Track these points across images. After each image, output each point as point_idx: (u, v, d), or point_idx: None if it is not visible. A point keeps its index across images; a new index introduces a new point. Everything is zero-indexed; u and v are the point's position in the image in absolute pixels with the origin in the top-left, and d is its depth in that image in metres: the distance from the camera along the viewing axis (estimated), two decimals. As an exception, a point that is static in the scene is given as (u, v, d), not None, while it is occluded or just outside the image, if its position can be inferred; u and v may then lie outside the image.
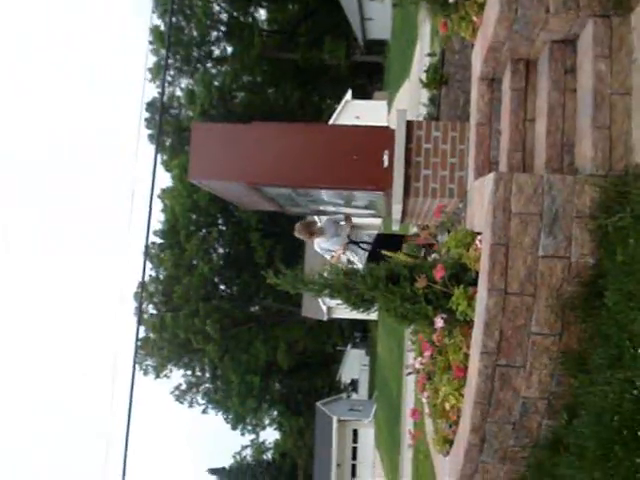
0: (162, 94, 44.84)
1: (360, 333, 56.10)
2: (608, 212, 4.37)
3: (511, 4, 4.84)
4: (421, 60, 17.03)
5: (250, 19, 52.13)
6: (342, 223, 9.88)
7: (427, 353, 5.94)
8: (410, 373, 7.15)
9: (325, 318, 37.45)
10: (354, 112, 34.15)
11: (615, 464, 3.91)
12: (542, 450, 4.87)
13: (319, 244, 9.69)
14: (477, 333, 4.64)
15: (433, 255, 6.75)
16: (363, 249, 9.53)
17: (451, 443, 5.65)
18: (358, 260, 9.61)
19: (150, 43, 46.34)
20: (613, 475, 3.89)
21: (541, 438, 4.82)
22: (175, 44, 47.50)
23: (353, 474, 43.30)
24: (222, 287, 50.22)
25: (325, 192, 8.20)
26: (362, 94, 43.17)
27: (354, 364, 56.16)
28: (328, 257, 9.61)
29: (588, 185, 4.45)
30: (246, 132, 7.68)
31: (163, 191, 46.82)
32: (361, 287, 5.36)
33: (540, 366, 4.54)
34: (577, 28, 4.93)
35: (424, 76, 10.30)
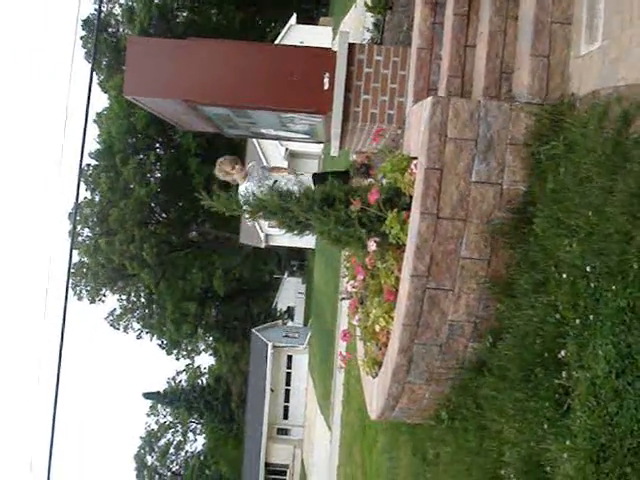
0: (99, 11, 43.15)
1: (297, 262, 56.45)
2: (541, 140, 4.42)
3: None
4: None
5: None
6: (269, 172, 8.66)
7: (360, 277, 6.00)
8: (344, 298, 7.23)
9: (263, 246, 37.46)
10: (298, 37, 33.51)
11: (535, 385, 4.04)
12: (467, 372, 5.01)
13: (247, 188, 8.01)
14: (408, 256, 4.69)
15: (369, 180, 6.74)
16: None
17: (380, 365, 5.76)
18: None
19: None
20: (533, 396, 4.03)
21: (466, 360, 4.96)
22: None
23: (286, 399, 44.11)
24: (159, 212, 49.57)
25: (264, 113, 8.05)
26: (307, 19, 42.33)
27: (291, 292, 56.65)
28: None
29: (524, 113, 4.47)
30: (184, 48, 7.45)
31: (99, 115, 45.47)
32: (295, 209, 5.33)
33: (468, 290, 4.64)
34: (522, -47, 4.87)
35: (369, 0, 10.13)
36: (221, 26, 46.97)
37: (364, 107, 7.28)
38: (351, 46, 7.32)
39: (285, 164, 34.62)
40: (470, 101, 4.57)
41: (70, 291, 37.92)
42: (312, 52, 7.97)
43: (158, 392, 60.89)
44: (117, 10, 49.28)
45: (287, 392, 44.21)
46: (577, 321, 3.72)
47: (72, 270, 40.24)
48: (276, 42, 35.35)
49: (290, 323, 52.80)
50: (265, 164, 8.31)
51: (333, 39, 30.82)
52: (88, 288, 49.21)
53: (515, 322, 4.41)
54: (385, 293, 5.36)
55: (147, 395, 60.76)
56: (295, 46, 9.12)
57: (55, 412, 23.57)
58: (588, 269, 3.70)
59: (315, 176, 8.41)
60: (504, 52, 5.06)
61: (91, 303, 50.15)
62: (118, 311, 53.05)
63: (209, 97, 7.47)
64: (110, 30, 48.47)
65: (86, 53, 45.67)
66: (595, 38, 4.28)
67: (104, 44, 45.54)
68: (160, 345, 55.30)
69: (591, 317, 3.60)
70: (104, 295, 50.65)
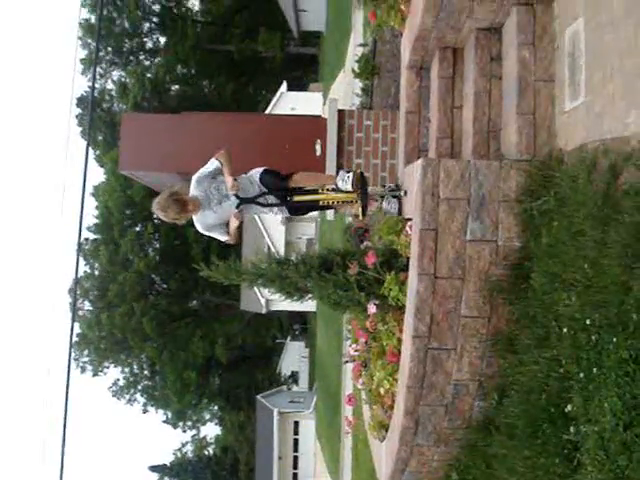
0: (92, 87, 43.96)
1: (299, 325, 56.18)
2: (533, 196, 4.48)
3: (437, -8, 4.89)
4: (355, 51, 17.10)
5: (183, 10, 51.50)
6: (220, 178, 6.29)
7: (362, 340, 5.99)
8: (347, 361, 7.19)
9: (264, 311, 37.36)
10: (290, 104, 34.13)
11: (544, 441, 4.00)
12: (474, 431, 4.96)
13: (204, 222, 6.27)
14: (409, 317, 4.70)
15: (366, 242, 6.79)
16: (267, 205, 6.27)
17: (387, 428, 5.70)
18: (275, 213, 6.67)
19: (79, 39, 45.39)
20: (542, 452, 3.99)
21: (473, 419, 4.92)
22: (106, 36, 46.61)
23: (295, 466, 43.38)
24: (159, 283, 49.62)
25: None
26: (297, 86, 43.11)
27: (294, 356, 56.22)
28: (223, 238, 6.35)
29: (514, 170, 4.54)
30: (176, 122, 7.62)
31: (96, 188, 45.95)
32: (294, 275, 5.36)
33: (470, 348, 4.63)
34: (502, 16, 5.02)
35: (356, 66, 10.35)
36: (213, 97, 47.84)
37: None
38: (341, 112, 7.48)
39: (282, 229, 34.83)
40: (460, 161, 4.65)
41: (72, 363, 37.65)
42: (303, 120, 8.13)
43: (164, 465, 59.86)
44: (110, 86, 50.21)
45: (295, 459, 43.51)
46: (581, 375, 3.71)
47: (74, 343, 40.08)
48: (268, 110, 35.97)
49: (295, 388, 52.28)
50: (207, 169, 6.10)
51: (324, 104, 31.34)
52: (91, 360, 48.97)
53: (519, 378, 4.39)
54: (388, 355, 5.35)
55: (153, 468, 59.71)
56: (287, 115, 9.27)
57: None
58: (588, 322, 3.71)
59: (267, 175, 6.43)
60: (490, 111, 5.17)
61: (94, 376, 49.80)
62: (121, 382, 52.64)
63: (203, 169, 7.57)
64: (104, 106, 49.26)
65: (82, 131, 46.38)
66: (578, 93, 4.38)
67: (99, 120, 46.23)
68: (165, 421, 54.71)
69: (595, 370, 3.59)
70: (106, 367, 50.35)
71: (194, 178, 6.17)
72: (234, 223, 6.12)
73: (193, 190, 6.09)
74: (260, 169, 6.31)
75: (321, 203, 6.14)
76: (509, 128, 4.86)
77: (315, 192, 6.10)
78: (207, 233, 6.41)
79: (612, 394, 3.38)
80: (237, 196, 6.03)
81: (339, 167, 7.29)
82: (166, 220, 6.22)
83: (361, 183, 6.06)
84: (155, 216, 6.09)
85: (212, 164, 6.18)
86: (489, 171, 4.53)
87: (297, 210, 6.41)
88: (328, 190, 6.09)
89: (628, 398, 3.29)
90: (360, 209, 6.02)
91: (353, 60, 14.10)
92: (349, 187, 5.98)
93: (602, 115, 4.07)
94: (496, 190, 4.52)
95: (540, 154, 4.64)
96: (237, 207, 6.06)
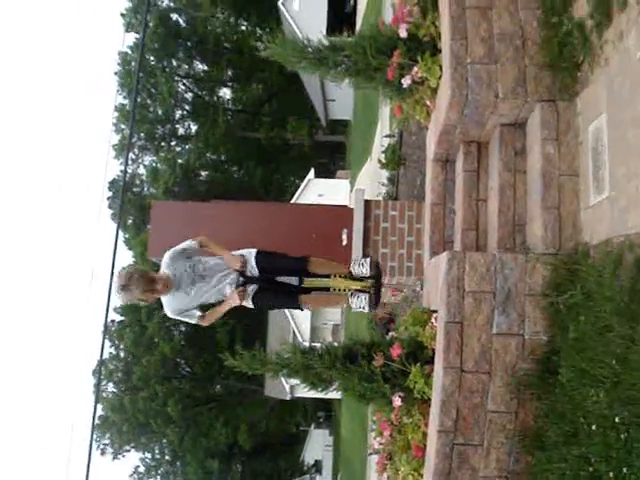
0: (125, 172, 45.02)
1: (323, 412, 55.34)
2: (559, 290, 4.46)
3: (462, 89, 5.02)
4: (381, 141, 17.42)
5: (215, 98, 53.03)
6: (196, 258, 5.73)
7: (386, 432, 5.89)
8: (371, 453, 7.06)
9: (288, 397, 36.96)
10: (317, 190, 34.62)
11: None
12: (503, 531, 4.82)
13: (174, 306, 5.70)
14: (434, 412, 4.64)
15: (391, 333, 6.77)
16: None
17: (413, 525, 5.55)
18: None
19: (114, 125, 46.80)
20: None
21: (501, 518, 4.77)
22: (140, 122, 47.97)
23: None
24: (183, 366, 49.46)
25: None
26: (325, 173, 43.87)
27: (318, 444, 55.14)
28: (194, 321, 5.86)
29: (539, 264, 4.55)
30: (206, 210, 7.76)
31: (124, 271, 46.37)
32: (318, 366, 5.34)
33: (497, 444, 4.54)
34: (525, 112, 5.12)
35: (383, 157, 10.53)
36: (242, 182, 48.70)
37: (382, 260, 7.43)
38: (367, 202, 7.59)
39: (309, 314, 34.67)
40: (486, 254, 4.67)
41: (94, 446, 37.22)
42: (330, 210, 8.26)
43: None
44: (142, 170, 51.35)
45: None
46: (610, 474, 3.62)
47: (96, 425, 39.77)
48: (296, 195, 36.47)
49: (318, 477, 51.06)
50: (186, 245, 5.72)
51: (351, 191, 31.74)
52: (112, 443, 48.50)
53: (548, 476, 4.28)
54: (413, 449, 5.25)
55: None
56: (314, 205, 9.42)
57: None
58: (617, 420, 3.64)
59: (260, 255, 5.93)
60: (515, 205, 5.21)
61: (114, 459, 49.20)
62: (142, 468, 51.90)
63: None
64: (135, 190, 50.29)
65: (112, 214, 47.24)
66: (603, 188, 4.42)
67: (129, 203, 47.13)
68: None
69: (624, 469, 3.51)
70: (127, 451, 49.81)
71: (167, 255, 5.63)
72: (234, 303, 5.56)
73: (165, 268, 5.57)
74: (252, 250, 5.89)
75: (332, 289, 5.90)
76: (534, 222, 4.89)
77: (327, 277, 5.92)
78: (176, 317, 5.87)
79: (642, 496, 3.30)
80: (242, 273, 5.52)
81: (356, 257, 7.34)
82: (127, 300, 5.50)
83: (376, 271, 5.91)
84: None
85: (186, 243, 5.70)
86: (515, 264, 4.54)
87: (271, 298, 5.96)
88: (341, 276, 5.90)
89: (659, 500, 3.20)
90: (366, 300, 5.77)
91: (379, 150, 14.36)
92: (366, 271, 5.80)
93: (627, 211, 4.09)
94: (522, 284, 4.52)
95: (566, 248, 4.65)
96: (238, 285, 5.54)
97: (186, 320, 5.90)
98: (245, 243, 7.51)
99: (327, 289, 5.90)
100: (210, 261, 5.63)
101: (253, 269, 5.65)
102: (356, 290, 5.83)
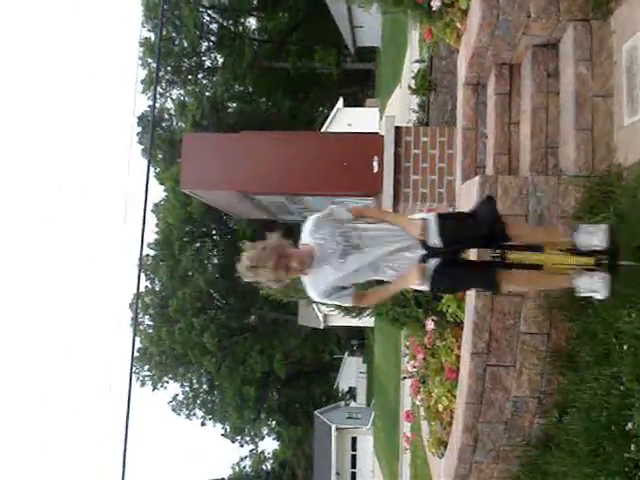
0: (153, 107, 44.88)
1: (357, 340, 56.06)
2: (592, 212, 4.45)
3: (492, 9, 4.92)
4: (411, 66, 17.13)
5: (240, 28, 52.28)
6: (349, 225, 4.26)
7: (420, 356, 6.00)
8: (405, 377, 7.20)
9: (321, 326, 37.40)
10: (346, 120, 34.28)
11: (604, 459, 3.96)
12: (534, 448, 4.93)
13: (320, 287, 4.27)
14: (467, 334, 4.71)
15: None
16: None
17: (445, 445, 5.70)
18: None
19: (140, 59, 46.47)
20: (602, 470, 3.95)
21: (533, 436, 4.88)
22: (165, 55, 47.58)
23: (353, 482, 43.26)
24: (217, 298, 50.18)
25: (317, 199, 8.26)
26: (354, 102, 43.33)
27: (352, 372, 56.07)
28: (347, 303, 4.52)
29: (572, 186, 4.53)
30: (236, 141, 7.77)
31: (156, 206, 46.83)
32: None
33: (530, 365, 4.62)
34: (558, 32, 5.02)
35: (413, 82, 10.39)
36: (271, 114, 48.30)
37: (414, 187, 7.42)
38: (397, 129, 7.53)
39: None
40: (517, 177, 4.65)
41: (133, 377, 38.28)
42: (360, 138, 8.20)
43: (222, 479, 60.27)
44: (169, 104, 51.17)
45: (353, 475, 43.32)
46: (642, 392, 3.68)
47: (135, 357, 40.82)
48: (325, 125, 36.19)
49: (353, 404, 52.06)
50: (334, 209, 4.15)
51: (380, 119, 31.40)
52: (151, 375, 49.77)
53: (580, 395, 4.36)
54: (446, 372, 5.36)
55: (212, 482, 60.17)
56: (344, 133, 9.37)
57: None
58: (649, 339, 3.68)
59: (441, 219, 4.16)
60: (548, 128, 5.15)
61: (153, 390, 50.56)
62: (180, 397, 53.31)
63: (264, 187, 7.74)
64: (164, 124, 50.23)
65: (142, 150, 47.37)
66: (637, 109, 4.35)
67: (158, 138, 47.13)
68: (223, 434, 55.13)
69: (656, 388, 3.57)
70: (166, 382, 51.09)
71: (310, 220, 4.27)
72: (410, 283, 4.18)
73: (307, 236, 4.22)
74: (430, 214, 4.24)
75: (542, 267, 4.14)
76: (567, 144, 4.84)
77: (539, 249, 4.17)
78: (326, 301, 4.50)
79: (674, 412, 3.35)
80: (425, 244, 4.07)
81: (396, 181, 7.31)
82: (260, 281, 4.24)
83: (612, 242, 4.18)
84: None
85: (336, 210, 4.32)
86: (547, 187, 4.53)
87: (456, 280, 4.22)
88: (558, 251, 4.21)
89: (691, 416, 3.25)
90: (605, 281, 4.08)
91: (409, 76, 14.14)
92: (599, 243, 4.19)
93: (661, 130, 4.04)
94: (554, 206, 4.51)
95: (598, 170, 4.61)
96: (422, 261, 4.06)
97: (338, 302, 4.60)
98: (275, 171, 7.55)
99: (536, 267, 4.16)
100: (369, 228, 4.28)
101: (436, 239, 4.09)
102: (584, 269, 4.20)
